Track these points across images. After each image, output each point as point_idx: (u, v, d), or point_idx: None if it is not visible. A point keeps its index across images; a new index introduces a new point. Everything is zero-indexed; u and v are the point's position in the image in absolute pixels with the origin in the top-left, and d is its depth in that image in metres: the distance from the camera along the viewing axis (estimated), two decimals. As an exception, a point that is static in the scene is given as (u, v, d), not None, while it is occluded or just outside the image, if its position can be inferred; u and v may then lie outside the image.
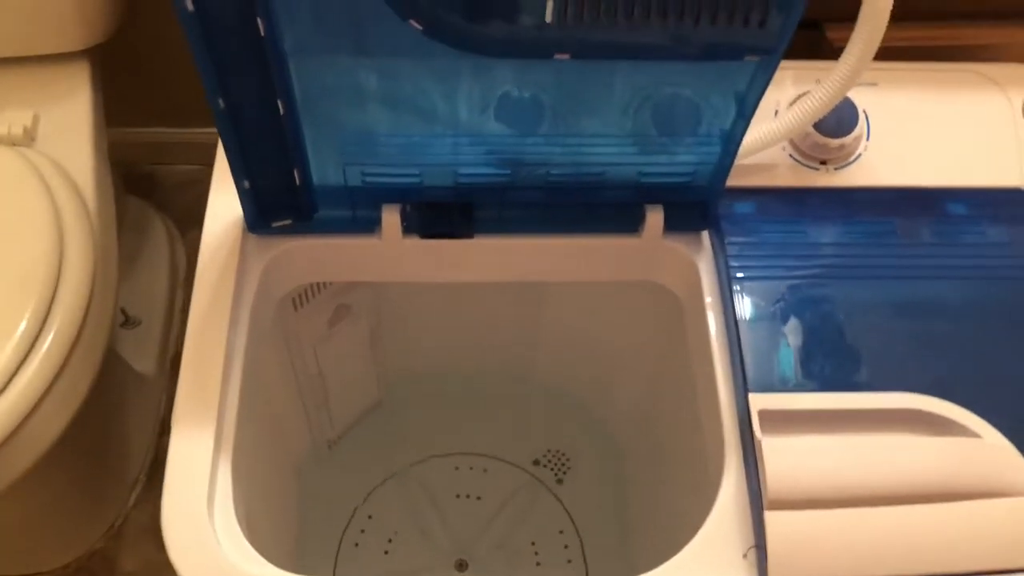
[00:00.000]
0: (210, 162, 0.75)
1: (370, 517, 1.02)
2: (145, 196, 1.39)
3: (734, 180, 0.67)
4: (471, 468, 1.06)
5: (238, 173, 0.62)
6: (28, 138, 0.97)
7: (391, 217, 0.67)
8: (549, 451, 1.08)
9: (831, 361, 0.62)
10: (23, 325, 0.80)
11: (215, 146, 0.71)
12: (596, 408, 1.03)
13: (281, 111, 0.59)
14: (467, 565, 1.00)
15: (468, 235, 0.69)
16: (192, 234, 1.39)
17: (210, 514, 0.57)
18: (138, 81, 1.27)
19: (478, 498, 1.04)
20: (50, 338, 0.82)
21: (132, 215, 1.32)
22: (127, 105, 1.16)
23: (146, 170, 1.43)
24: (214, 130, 0.59)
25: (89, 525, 1.15)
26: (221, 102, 0.57)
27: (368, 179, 0.66)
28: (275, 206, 0.66)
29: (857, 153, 0.71)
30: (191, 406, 0.61)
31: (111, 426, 1.14)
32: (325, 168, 0.65)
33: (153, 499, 1.19)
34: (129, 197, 1.33)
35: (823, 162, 0.70)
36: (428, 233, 0.69)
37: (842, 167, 0.70)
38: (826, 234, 0.67)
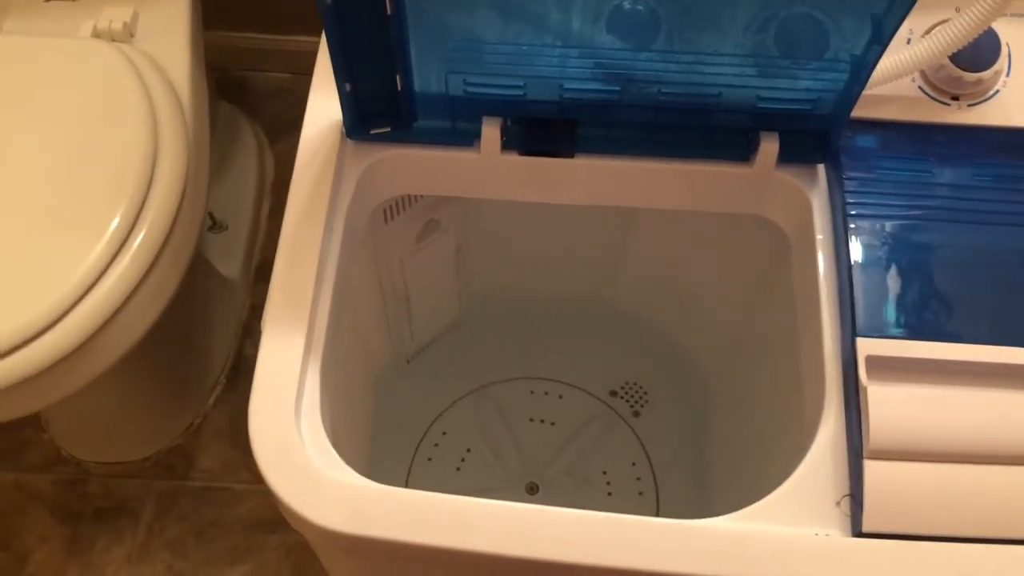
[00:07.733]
0: (303, 71, 0.74)
1: (444, 434, 1.02)
2: (236, 102, 1.39)
3: (856, 111, 0.63)
4: (546, 393, 1.05)
5: (340, 74, 0.61)
6: (127, 34, 0.97)
7: (491, 131, 0.65)
8: (627, 383, 1.06)
9: (947, 310, 0.59)
10: (116, 221, 0.81)
11: (309, 55, 0.69)
12: (681, 345, 1.00)
13: (388, 11, 0.57)
14: (537, 488, 1.00)
15: (569, 154, 0.66)
16: (280, 142, 1.39)
17: (296, 418, 0.57)
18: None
19: (552, 424, 1.03)
20: (141, 235, 0.83)
21: (223, 120, 1.32)
22: (225, 9, 1.15)
23: (239, 76, 1.42)
24: (309, 39, 0.57)
25: (170, 421, 1.18)
26: (328, -3, 0.55)
27: (470, 89, 0.63)
28: (375, 112, 0.64)
29: (995, 89, 0.65)
30: (283, 307, 0.60)
31: (195, 326, 1.16)
32: (427, 75, 0.62)
33: (231, 400, 1.21)
34: (221, 102, 1.33)
35: (955, 97, 0.66)
36: (528, 150, 0.67)
37: (976, 104, 0.65)
38: (952, 175, 0.63)
